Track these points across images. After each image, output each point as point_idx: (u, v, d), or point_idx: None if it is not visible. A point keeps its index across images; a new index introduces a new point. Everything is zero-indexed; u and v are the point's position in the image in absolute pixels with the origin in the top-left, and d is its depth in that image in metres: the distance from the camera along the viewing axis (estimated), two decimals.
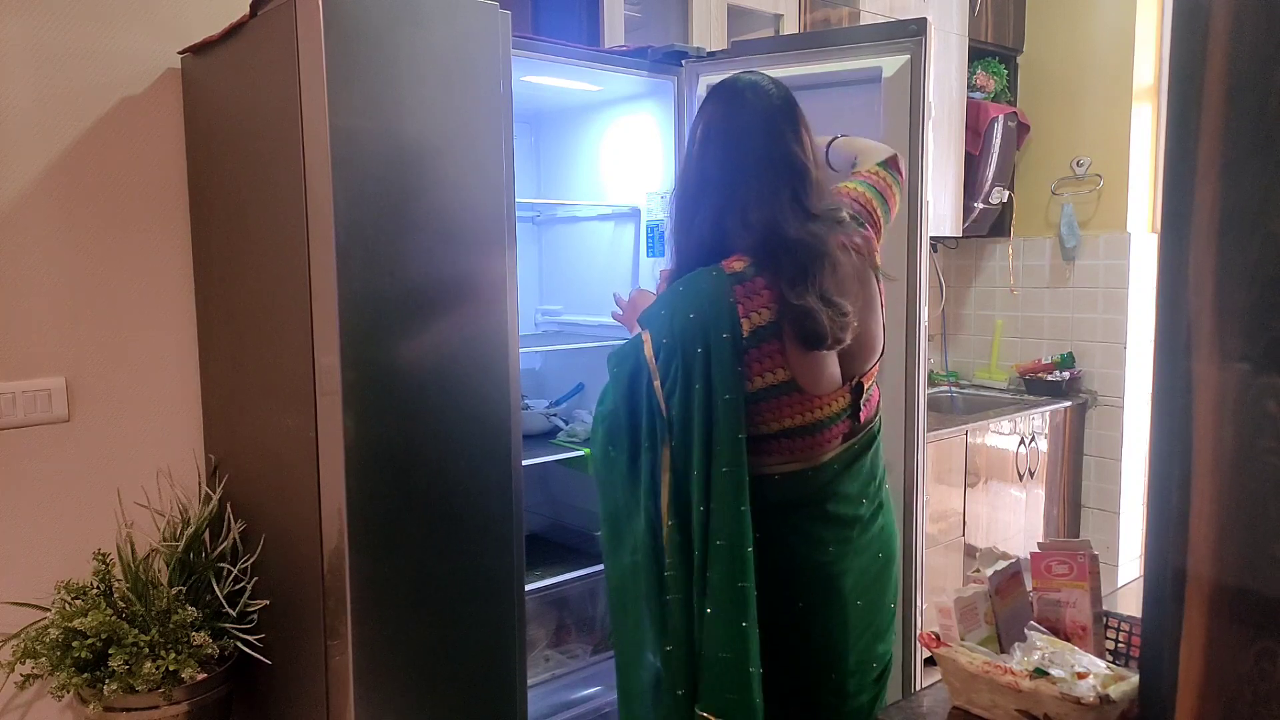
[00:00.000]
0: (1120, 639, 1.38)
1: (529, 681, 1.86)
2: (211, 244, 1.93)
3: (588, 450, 2.29)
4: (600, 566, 2.32)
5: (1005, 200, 3.69)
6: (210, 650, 1.67)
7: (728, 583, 1.41)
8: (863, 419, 1.55)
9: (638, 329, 1.61)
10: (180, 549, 1.75)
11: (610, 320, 2.38)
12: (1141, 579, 0.97)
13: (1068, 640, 1.31)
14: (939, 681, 1.30)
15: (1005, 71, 3.72)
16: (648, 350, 1.47)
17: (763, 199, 1.44)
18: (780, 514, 1.48)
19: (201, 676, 1.67)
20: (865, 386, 1.55)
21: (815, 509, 1.51)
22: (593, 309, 2.53)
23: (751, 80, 1.52)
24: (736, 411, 1.41)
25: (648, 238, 2.34)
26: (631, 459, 1.50)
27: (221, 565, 1.75)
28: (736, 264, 1.44)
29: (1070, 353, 3.71)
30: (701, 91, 2.17)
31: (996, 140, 3.55)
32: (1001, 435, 3.34)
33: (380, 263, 1.55)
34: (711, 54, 2.21)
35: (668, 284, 1.59)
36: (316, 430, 1.55)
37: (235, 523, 1.80)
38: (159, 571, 1.79)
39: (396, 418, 1.58)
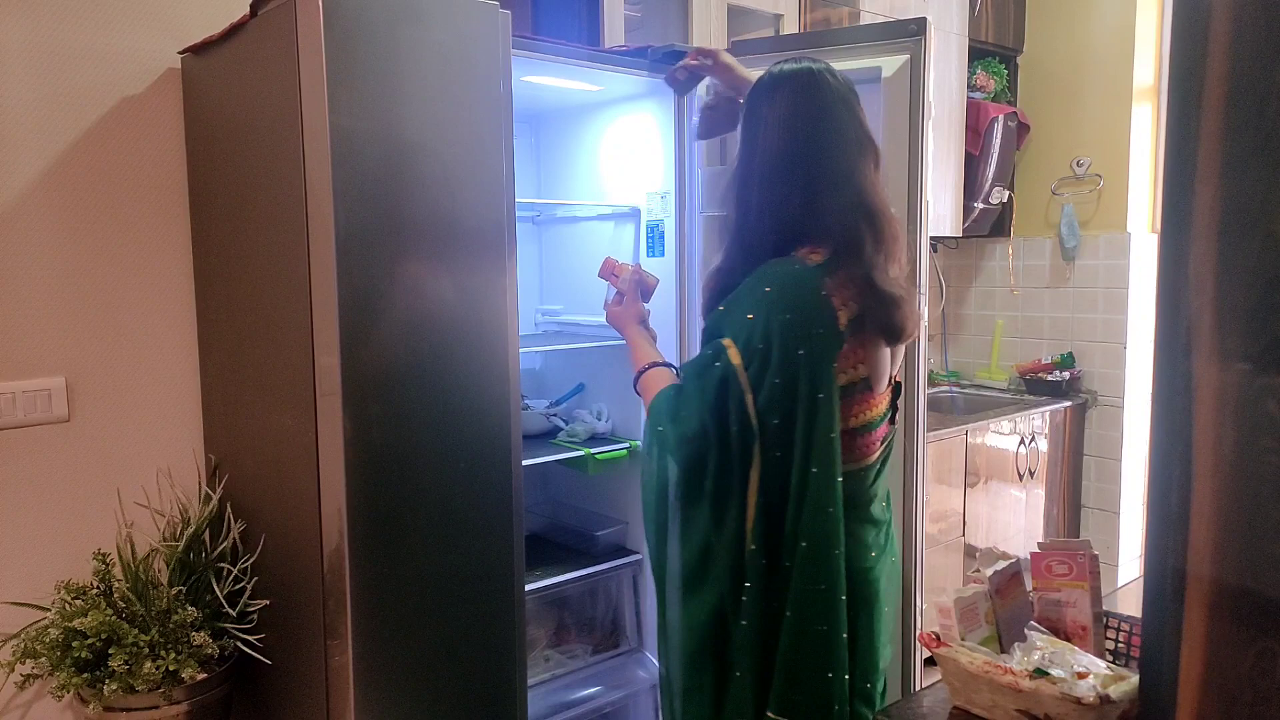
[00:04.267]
0: (1120, 639, 1.38)
1: (529, 681, 1.86)
2: (212, 244, 1.93)
3: (587, 450, 2.29)
4: (599, 567, 2.34)
5: (1005, 200, 3.70)
6: (210, 650, 1.67)
7: (807, 585, 1.38)
8: (895, 420, 1.55)
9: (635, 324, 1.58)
10: (180, 549, 1.75)
11: None
12: (1141, 579, 0.97)
13: (1068, 640, 1.31)
14: (939, 681, 1.30)
15: (1005, 71, 3.72)
16: (735, 359, 1.38)
17: (856, 175, 1.42)
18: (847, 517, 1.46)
19: (201, 676, 1.66)
20: (900, 385, 1.54)
21: (863, 511, 1.50)
22: (593, 309, 2.52)
23: (822, 65, 1.49)
24: (831, 410, 1.37)
25: (648, 238, 2.34)
26: (721, 481, 1.41)
27: (221, 565, 1.75)
28: (814, 255, 1.40)
29: (1070, 353, 3.71)
30: (702, 91, 2.17)
31: (996, 140, 3.55)
32: (1001, 435, 3.34)
33: (380, 262, 1.55)
34: None
35: (721, 274, 1.51)
36: (316, 430, 1.55)
37: (235, 523, 1.80)
38: (159, 571, 1.79)
39: (396, 418, 1.58)
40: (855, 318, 1.39)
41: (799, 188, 1.42)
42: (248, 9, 1.63)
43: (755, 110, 1.50)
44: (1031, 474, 3.49)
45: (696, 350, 2.22)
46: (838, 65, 2.01)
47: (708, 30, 2.74)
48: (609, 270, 1.87)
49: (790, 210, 1.42)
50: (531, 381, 2.71)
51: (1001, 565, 1.37)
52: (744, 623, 1.43)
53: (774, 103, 1.47)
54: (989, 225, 3.75)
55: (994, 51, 3.69)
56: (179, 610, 1.67)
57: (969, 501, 3.22)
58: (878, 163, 1.47)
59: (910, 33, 1.94)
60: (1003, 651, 1.29)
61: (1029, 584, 1.39)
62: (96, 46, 1.85)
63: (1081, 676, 1.15)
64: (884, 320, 1.39)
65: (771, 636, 1.43)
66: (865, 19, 3.13)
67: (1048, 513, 3.59)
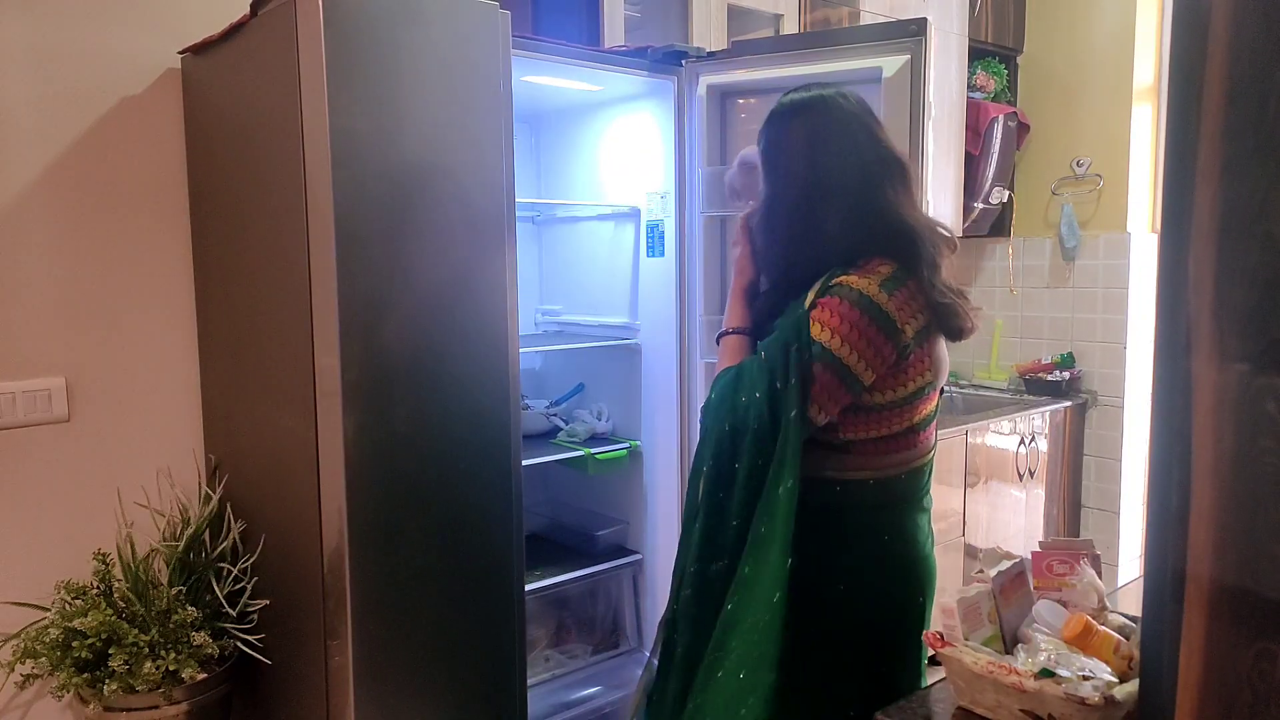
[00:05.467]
0: None
1: (529, 681, 1.86)
2: (211, 244, 1.93)
3: (587, 450, 2.29)
4: (599, 567, 2.34)
5: (1005, 200, 3.69)
6: (210, 650, 1.67)
7: None
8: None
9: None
10: (180, 549, 1.75)
11: (610, 320, 2.36)
12: (1141, 579, 0.97)
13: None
14: (942, 680, 1.30)
15: (1005, 71, 3.72)
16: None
17: (891, 194, 1.45)
18: (907, 510, 1.52)
19: (201, 676, 1.67)
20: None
21: (926, 499, 1.57)
22: (593, 309, 2.53)
23: (833, 92, 1.51)
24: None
25: (648, 238, 2.34)
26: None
27: (221, 565, 1.75)
28: (882, 268, 1.42)
29: (1070, 353, 3.71)
30: (702, 92, 2.17)
31: (996, 140, 3.54)
32: (1001, 435, 3.34)
33: (380, 262, 1.55)
34: (711, 54, 2.21)
35: (763, 294, 1.56)
36: (316, 430, 1.55)
37: (235, 523, 1.80)
38: (159, 571, 1.79)
39: (396, 418, 1.58)
40: (924, 327, 1.43)
41: (838, 209, 1.45)
42: (248, 9, 1.63)
43: (773, 141, 1.53)
44: (1031, 474, 3.48)
45: (697, 351, 2.24)
46: (838, 65, 2.03)
47: (708, 30, 2.74)
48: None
49: (836, 229, 1.45)
50: (531, 381, 2.71)
51: (1006, 565, 1.37)
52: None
53: (790, 132, 1.50)
54: (989, 225, 3.75)
55: (994, 51, 3.69)
56: (179, 610, 1.67)
57: (969, 501, 3.22)
58: (905, 178, 1.49)
59: (910, 33, 1.94)
60: (1006, 652, 1.29)
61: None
62: (96, 46, 1.85)
63: (1087, 678, 1.15)
64: (947, 324, 1.47)
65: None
66: (865, 19, 3.12)
67: (1048, 513, 3.59)
